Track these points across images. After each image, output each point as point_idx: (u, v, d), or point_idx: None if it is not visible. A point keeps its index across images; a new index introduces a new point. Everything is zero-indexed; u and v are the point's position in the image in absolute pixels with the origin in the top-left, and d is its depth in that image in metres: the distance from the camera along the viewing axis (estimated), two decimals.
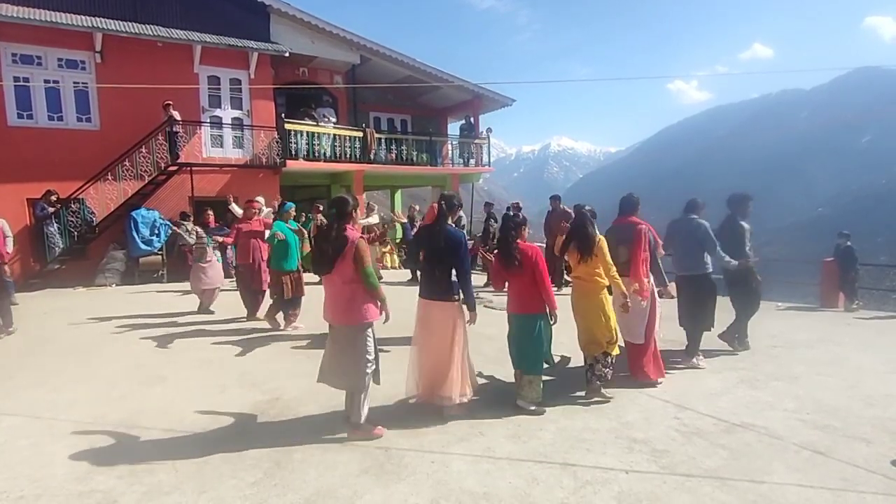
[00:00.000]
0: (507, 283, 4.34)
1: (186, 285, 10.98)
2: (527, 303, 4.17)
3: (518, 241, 4.20)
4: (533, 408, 4.09)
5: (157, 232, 11.57)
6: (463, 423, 3.90)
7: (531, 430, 3.78)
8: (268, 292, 7.32)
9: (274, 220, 7.19)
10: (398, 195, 20.41)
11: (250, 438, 3.66)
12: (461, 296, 4.08)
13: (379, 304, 3.72)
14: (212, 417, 4.07)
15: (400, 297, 8.05)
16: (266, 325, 7.10)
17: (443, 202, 4.18)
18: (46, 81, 11.46)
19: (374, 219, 10.97)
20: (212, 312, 7.96)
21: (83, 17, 11.67)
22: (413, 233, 7.24)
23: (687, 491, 2.96)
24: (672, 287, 5.39)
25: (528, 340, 4.13)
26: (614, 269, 4.38)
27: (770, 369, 5.25)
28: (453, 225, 4.26)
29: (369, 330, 3.71)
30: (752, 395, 4.51)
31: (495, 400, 4.35)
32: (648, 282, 4.80)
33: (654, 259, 4.94)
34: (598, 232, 4.41)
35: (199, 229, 8.50)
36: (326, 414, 4.12)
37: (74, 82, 11.74)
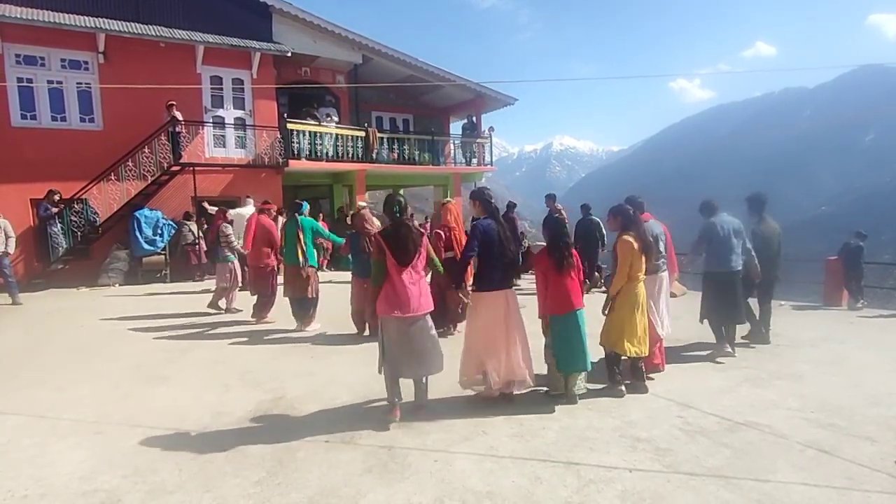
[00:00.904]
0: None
1: (190, 285, 11.07)
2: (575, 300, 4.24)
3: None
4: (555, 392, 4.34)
5: (160, 232, 11.59)
6: (466, 422, 3.90)
7: (534, 429, 3.78)
8: (279, 293, 7.27)
9: (288, 220, 7.08)
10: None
11: (253, 437, 3.66)
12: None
13: None
14: (215, 416, 4.07)
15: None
16: (269, 325, 7.12)
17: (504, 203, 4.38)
18: (50, 82, 11.50)
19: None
20: (239, 311, 7.91)
21: (86, 18, 11.71)
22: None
23: (691, 489, 2.95)
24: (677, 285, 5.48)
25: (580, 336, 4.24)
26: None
27: (774, 368, 5.24)
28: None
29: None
30: (756, 394, 4.50)
31: (499, 399, 4.34)
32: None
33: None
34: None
35: (223, 228, 8.29)
36: (329, 413, 4.13)
37: (78, 83, 11.78)
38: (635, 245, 4.45)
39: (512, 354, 4.13)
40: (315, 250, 6.99)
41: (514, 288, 4.31)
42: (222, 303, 8.06)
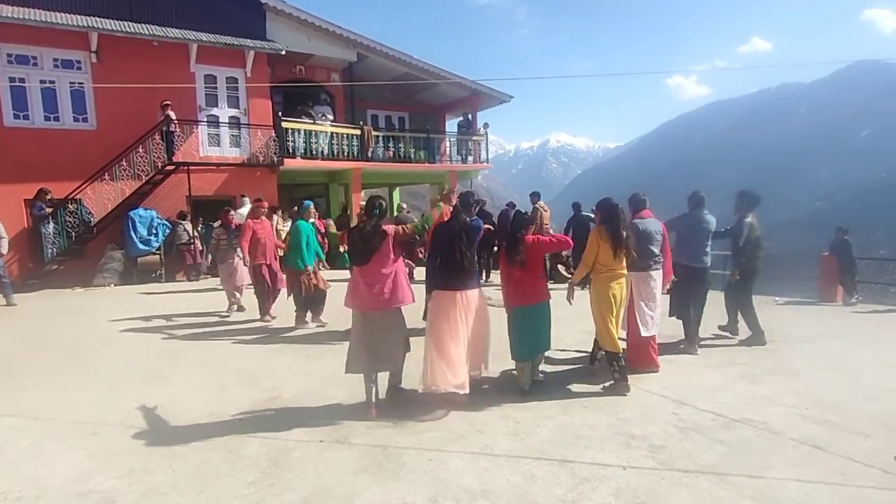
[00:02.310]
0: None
1: (184, 284, 11.04)
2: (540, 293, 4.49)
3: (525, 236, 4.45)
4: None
5: (154, 232, 11.55)
6: (461, 420, 3.90)
7: (529, 427, 3.78)
8: (283, 292, 7.29)
9: (295, 219, 7.16)
10: (396, 193, 20.38)
11: (249, 437, 3.66)
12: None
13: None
14: (211, 416, 4.07)
15: None
16: (266, 323, 7.14)
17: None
18: (42, 82, 11.42)
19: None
20: (243, 310, 7.92)
21: (78, 17, 11.64)
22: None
23: (684, 486, 2.96)
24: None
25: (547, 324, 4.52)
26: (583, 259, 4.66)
27: (769, 364, 5.25)
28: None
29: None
30: (752, 391, 4.51)
31: (493, 397, 4.34)
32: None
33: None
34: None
35: (216, 231, 8.25)
36: (325, 412, 4.12)
37: (70, 82, 11.70)
38: (604, 237, 4.50)
39: (454, 355, 4.11)
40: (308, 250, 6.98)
41: (476, 288, 4.33)
42: (234, 300, 8.02)
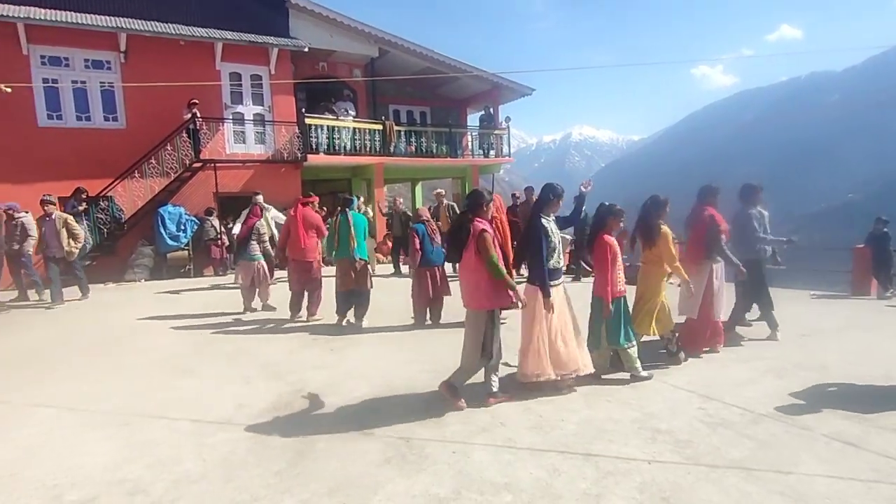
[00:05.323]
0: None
1: (212, 279, 11.25)
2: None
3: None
4: (644, 374, 4.56)
5: (183, 228, 11.78)
6: (484, 413, 3.91)
7: (553, 420, 3.77)
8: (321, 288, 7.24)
9: (339, 213, 6.95)
10: (419, 188, 20.41)
11: (274, 429, 3.72)
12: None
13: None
14: (238, 408, 4.15)
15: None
16: (288, 317, 7.18)
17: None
18: (74, 82, 11.74)
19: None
20: (274, 308, 7.77)
21: (108, 18, 11.90)
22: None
23: (711, 482, 2.92)
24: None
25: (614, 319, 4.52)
26: (675, 258, 4.85)
27: (799, 358, 5.13)
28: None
29: (491, 314, 4.02)
30: (780, 385, 4.42)
31: (516, 391, 4.33)
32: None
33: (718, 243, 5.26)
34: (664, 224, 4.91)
35: (258, 226, 8.12)
36: (348, 405, 4.17)
37: (101, 82, 11.99)
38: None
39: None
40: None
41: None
42: (255, 303, 7.88)
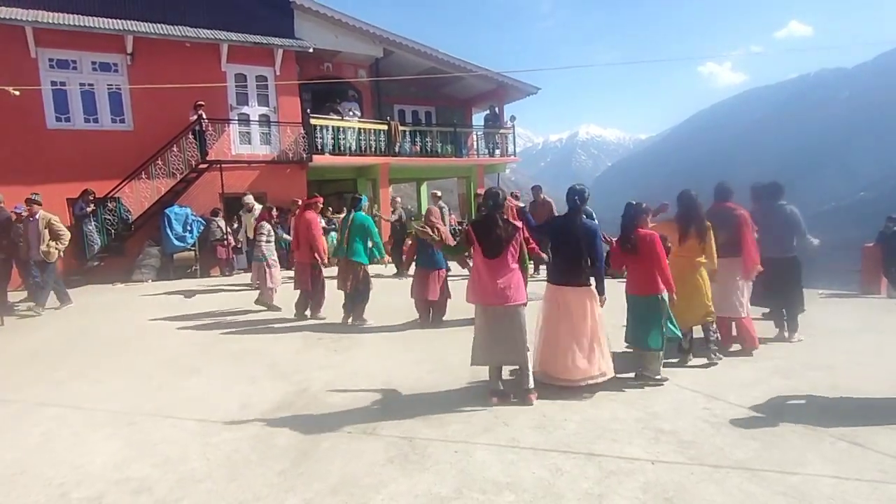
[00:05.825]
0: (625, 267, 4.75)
1: (218, 280, 11.31)
2: (646, 284, 4.48)
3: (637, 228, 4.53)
4: (658, 377, 4.48)
5: (189, 228, 11.84)
6: (487, 413, 3.91)
7: (556, 420, 3.76)
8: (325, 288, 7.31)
9: (348, 213, 7.00)
10: (424, 187, 20.41)
11: (279, 428, 3.74)
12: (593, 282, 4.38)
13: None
14: (243, 408, 4.17)
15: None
16: (293, 317, 7.22)
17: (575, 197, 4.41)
18: (81, 85, 11.82)
19: (395, 216, 11.19)
20: (279, 309, 7.77)
21: (114, 21, 11.97)
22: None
23: (714, 482, 2.90)
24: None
25: (651, 318, 4.48)
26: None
27: (806, 358, 5.09)
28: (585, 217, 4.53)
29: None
30: (787, 385, 4.39)
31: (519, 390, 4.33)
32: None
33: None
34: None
35: (260, 226, 8.26)
36: (352, 404, 4.18)
37: (108, 84, 12.07)
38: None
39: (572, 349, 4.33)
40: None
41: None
42: (278, 302, 7.89)
